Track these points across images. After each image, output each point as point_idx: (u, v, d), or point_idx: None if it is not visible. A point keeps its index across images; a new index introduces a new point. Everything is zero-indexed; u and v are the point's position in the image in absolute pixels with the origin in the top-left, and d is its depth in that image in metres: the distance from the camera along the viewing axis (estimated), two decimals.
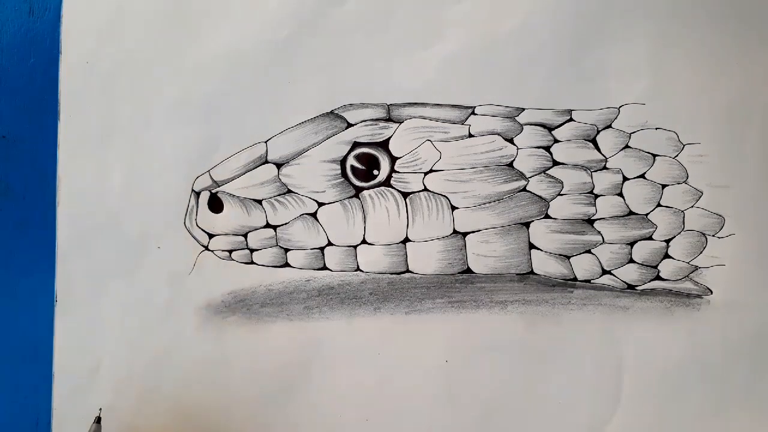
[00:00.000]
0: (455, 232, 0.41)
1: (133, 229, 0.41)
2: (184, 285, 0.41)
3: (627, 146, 0.42)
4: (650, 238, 0.42)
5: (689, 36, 0.42)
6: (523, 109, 0.42)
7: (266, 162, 0.41)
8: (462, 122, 0.41)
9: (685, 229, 0.42)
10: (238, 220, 0.41)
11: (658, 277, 0.42)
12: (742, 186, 0.42)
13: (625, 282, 0.42)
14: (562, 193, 0.41)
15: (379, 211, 0.41)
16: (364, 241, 0.41)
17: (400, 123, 0.41)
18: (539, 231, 0.41)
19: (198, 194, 0.41)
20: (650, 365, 0.42)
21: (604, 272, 0.42)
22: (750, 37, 0.42)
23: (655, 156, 0.42)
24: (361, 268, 0.41)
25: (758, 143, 0.42)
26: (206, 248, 0.41)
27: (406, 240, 0.41)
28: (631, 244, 0.42)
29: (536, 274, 0.41)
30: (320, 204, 0.41)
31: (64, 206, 0.41)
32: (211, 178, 0.41)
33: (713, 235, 0.42)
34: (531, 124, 0.42)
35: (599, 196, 0.42)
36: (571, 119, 0.42)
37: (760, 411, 0.42)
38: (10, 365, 0.41)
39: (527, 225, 0.41)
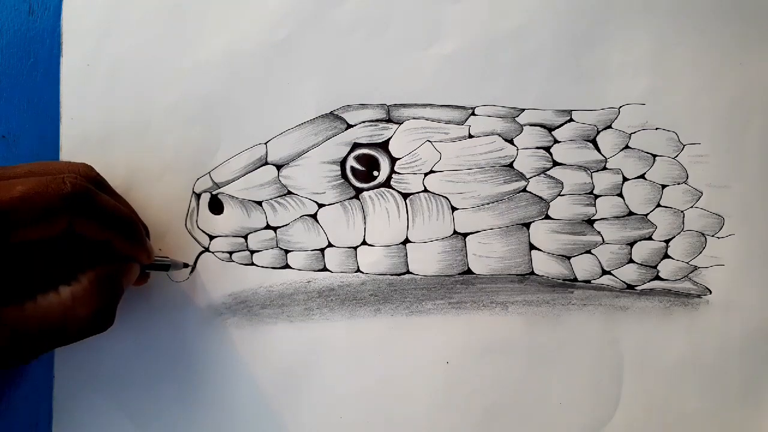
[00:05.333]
0: (455, 233, 0.41)
1: None
2: (184, 287, 0.41)
3: (627, 146, 0.42)
4: (650, 239, 0.42)
5: (689, 36, 0.42)
6: (523, 110, 0.42)
7: (266, 163, 0.41)
8: (462, 123, 0.41)
9: (684, 230, 0.42)
10: (238, 221, 0.41)
11: (658, 277, 0.42)
12: (742, 186, 0.42)
13: (624, 282, 0.42)
14: (562, 193, 0.42)
15: (379, 212, 0.41)
16: (364, 243, 0.41)
17: (400, 124, 0.41)
18: (539, 231, 0.41)
19: (198, 196, 0.41)
20: (650, 365, 0.42)
21: (604, 272, 0.42)
22: (750, 37, 0.42)
23: (655, 156, 0.42)
24: (361, 269, 0.41)
25: (758, 143, 0.42)
26: (207, 250, 0.41)
27: (407, 241, 0.41)
28: (631, 244, 0.42)
29: (536, 274, 0.42)
30: (320, 205, 0.41)
31: None
32: (212, 179, 0.41)
33: (713, 235, 0.42)
34: (531, 125, 0.42)
35: (599, 196, 0.42)
36: (571, 119, 0.42)
37: (760, 410, 0.42)
38: (7, 371, 0.41)
39: (527, 226, 0.41)
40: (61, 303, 0.31)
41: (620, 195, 0.42)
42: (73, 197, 0.31)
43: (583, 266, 0.42)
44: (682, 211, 0.42)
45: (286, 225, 0.41)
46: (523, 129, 0.42)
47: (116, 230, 0.33)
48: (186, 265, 0.40)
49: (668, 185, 0.42)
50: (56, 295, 0.31)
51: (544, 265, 0.42)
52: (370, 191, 0.41)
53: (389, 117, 0.41)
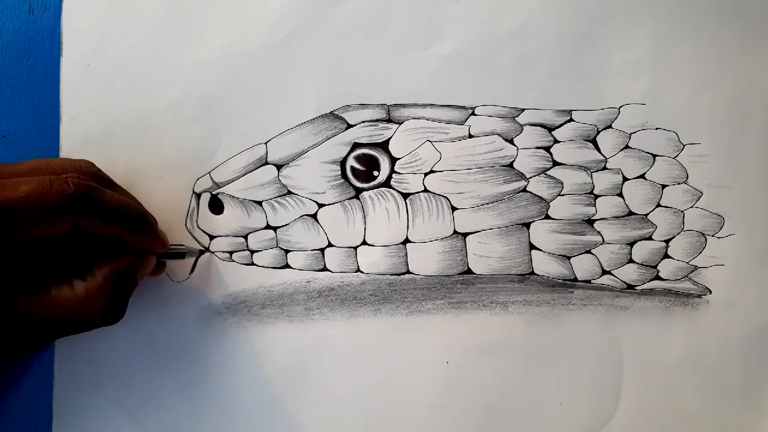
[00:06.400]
0: (455, 232, 0.41)
1: None
2: (184, 286, 0.41)
3: (627, 146, 0.42)
4: (650, 238, 0.42)
5: (689, 36, 0.42)
6: (523, 110, 0.42)
7: (266, 163, 0.41)
8: (462, 123, 0.41)
9: (684, 229, 0.42)
10: (238, 221, 0.41)
11: (658, 277, 0.42)
12: (742, 186, 0.42)
13: (624, 282, 0.42)
14: (562, 193, 0.42)
15: (380, 212, 0.41)
16: (364, 242, 0.41)
17: (400, 124, 0.41)
18: (539, 231, 0.41)
19: (198, 196, 0.41)
20: (650, 365, 0.42)
21: (604, 272, 0.42)
22: (750, 37, 0.42)
23: (655, 156, 0.42)
24: (361, 269, 0.41)
25: (758, 143, 0.42)
26: (207, 249, 0.41)
27: (407, 241, 0.41)
28: (631, 244, 0.42)
29: (536, 274, 0.42)
30: (320, 205, 0.41)
31: None
32: (212, 179, 0.41)
33: (713, 235, 0.42)
34: (531, 125, 0.42)
35: (599, 196, 0.42)
36: (571, 119, 0.42)
37: (759, 410, 0.42)
38: (11, 365, 0.41)
39: (527, 225, 0.41)
40: (74, 297, 0.32)
41: (620, 195, 0.42)
42: (76, 197, 0.31)
43: (583, 266, 0.42)
44: (682, 211, 0.42)
45: (286, 225, 0.41)
46: (523, 129, 0.42)
47: (124, 224, 0.33)
48: (201, 252, 0.40)
49: (668, 185, 0.42)
50: (70, 289, 0.32)
51: (544, 265, 0.42)
52: (370, 191, 0.41)
53: (389, 117, 0.41)
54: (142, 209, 0.37)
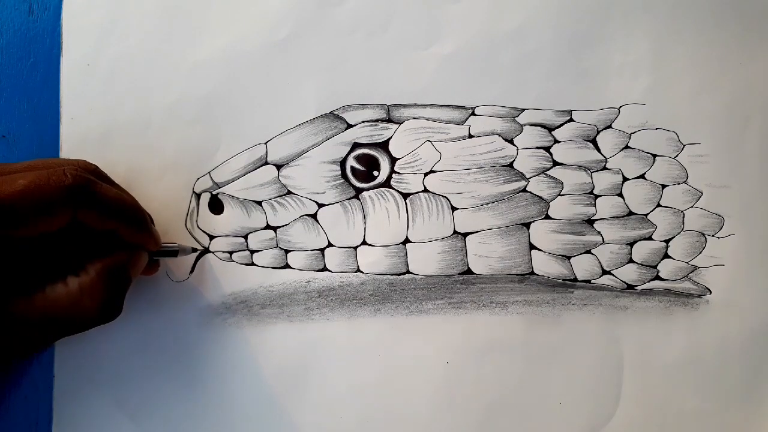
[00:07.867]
0: (455, 232, 0.41)
1: None
2: (184, 286, 0.41)
3: (627, 146, 0.42)
4: (650, 238, 0.42)
5: (689, 36, 0.42)
6: (523, 110, 0.42)
7: (266, 163, 0.41)
8: (462, 123, 0.41)
9: (684, 229, 0.42)
10: (238, 221, 0.41)
11: (658, 277, 0.42)
12: (742, 186, 0.42)
13: (624, 282, 0.42)
14: (562, 193, 0.42)
15: (379, 212, 0.41)
16: (364, 242, 0.41)
17: (400, 124, 0.41)
18: (539, 231, 0.41)
19: (198, 196, 0.41)
20: (650, 365, 0.42)
21: (604, 272, 0.42)
22: (750, 37, 0.42)
23: (655, 156, 0.42)
24: (361, 269, 0.41)
25: (758, 143, 0.42)
26: (207, 250, 0.41)
27: (407, 241, 0.41)
28: (631, 244, 0.42)
29: (536, 274, 0.42)
30: (320, 205, 0.41)
31: None
32: (212, 179, 0.41)
33: (713, 235, 0.42)
34: (531, 125, 0.42)
35: (599, 196, 0.42)
36: (571, 119, 0.42)
37: (759, 410, 0.42)
38: (11, 365, 0.41)
39: (527, 225, 0.41)
40: (69, 294, 0.32)
41: (620, 195, 0.42)
42: (75, 188, 0.31)
43: (583, 266, 0.42)
44: (682, 211, 0.42)
45: (286, 225, 0.41)
46: (523, 129, 0.42)
47: (121, 219, 0.33)
48: (194, 250, 0.40)
49: (668, 185, 0.42)
50: (64, 286, 0.32)
51: (544, 265, 0.42)
52: (370, 191, 0.41)
53: (389, 117, 0.41)
54: (137, 205, 0.37)
